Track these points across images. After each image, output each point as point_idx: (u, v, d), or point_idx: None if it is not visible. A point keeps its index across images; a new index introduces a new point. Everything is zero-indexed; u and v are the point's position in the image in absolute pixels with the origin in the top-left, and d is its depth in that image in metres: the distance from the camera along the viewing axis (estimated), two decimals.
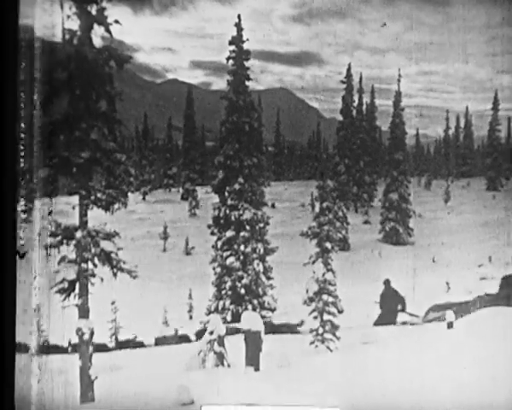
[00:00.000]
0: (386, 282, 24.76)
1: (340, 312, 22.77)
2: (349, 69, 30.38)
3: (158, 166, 32.06)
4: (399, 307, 24.60)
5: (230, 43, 25.46)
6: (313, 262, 23.09)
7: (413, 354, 19.42)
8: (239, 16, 25.19)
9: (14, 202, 12.65)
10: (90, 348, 18.54)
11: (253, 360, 20.75)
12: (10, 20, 11.82)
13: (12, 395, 11.79)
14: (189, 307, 25.67)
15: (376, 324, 24.46)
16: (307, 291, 22.81)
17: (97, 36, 17.88)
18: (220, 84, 28.27)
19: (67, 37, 17.45)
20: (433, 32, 23.10)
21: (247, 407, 17.29)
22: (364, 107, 32.16)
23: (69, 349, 22.59)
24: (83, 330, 18.25)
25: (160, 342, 24.09)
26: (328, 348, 22.17)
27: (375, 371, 18.75)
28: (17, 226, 13.36)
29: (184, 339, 24.41)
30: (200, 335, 23.39)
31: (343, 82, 30.70)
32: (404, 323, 24.23)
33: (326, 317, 22.33)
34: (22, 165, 13.79)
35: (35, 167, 16.94)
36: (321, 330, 22.28)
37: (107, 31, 17.63)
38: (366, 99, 31.92)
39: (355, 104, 31.81)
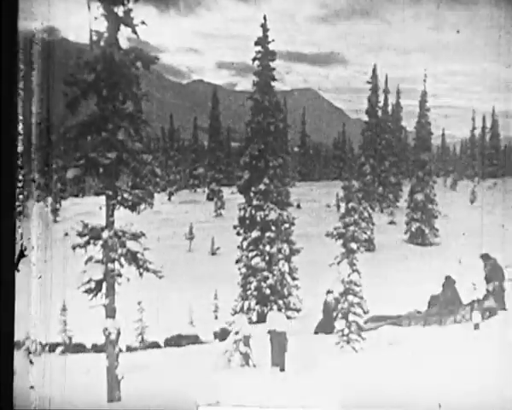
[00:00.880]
0: (330, 292, 24.82)
1: (366, 312, 22.73)
2: (374, 69, 30.30)
3: (184, 167, 32.15)
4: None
5: (256, 43, 25.49)
6: (338, 263, 23.04)
7: (437, 356, 19.36)
8: (265, 17, 25.22)
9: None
10: (117, 348, 18.62)
11: (278, 360, 20.77)
12: (6, 22, 11.90)
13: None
14: (215, 307, 25.72)
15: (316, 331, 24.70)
16: (332, 292, 22.80)
17: (123, 37, 17.96)
18: (245, 84, 28.32)
19: (95, 38, 17.54)
20: (460, 32, 22.94)
21: (245, 408, 17.35)
22: (390, 107, 32.05)
23: (95, 349, 22.81)
24: (109, 329, 18.33)
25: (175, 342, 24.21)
26: (353, 348, 22.11)
27: (400, 371, 18.72)
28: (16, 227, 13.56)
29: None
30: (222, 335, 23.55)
31: (368, 82, 30.63)
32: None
33: (351, 318, 22.26)
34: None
35: (33, 171, 17.04)
36: (346, 331, 22.21)
37: (134, 32, 17.68)
38: (392, 99, 31.83)
39: (380, 104, 31.75)
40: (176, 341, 24.17)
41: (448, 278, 24.61)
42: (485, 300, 24.31)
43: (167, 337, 24.25)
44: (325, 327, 24.23)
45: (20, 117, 14.42)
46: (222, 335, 24.15)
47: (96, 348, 22.94)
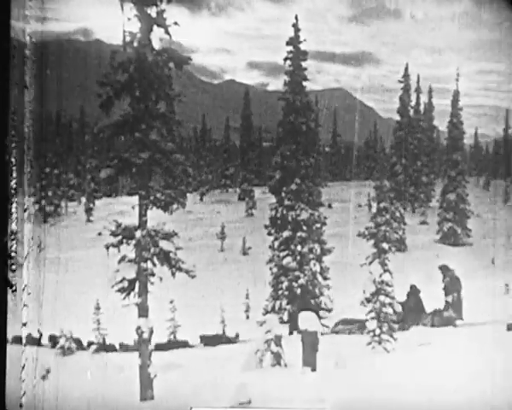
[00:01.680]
0: (413, 286, 24.72)
1: (397, 313, 22.63)
2: (406, 68, 30.14)
3: (215, 167, 32.22)
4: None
5: (288, 43, 25.50)
6: (370, 263, 23.00)
7: (468, 356, 19.23)
8: (296, 17, 25.22)
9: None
10: (150, 347, 18.75)
11: (309, 360, 20.76)
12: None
13: None
14: (246, 306, 25.74)
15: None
16: (364, 292, 22.72)
17: (156, 38, 18.06)
18: (277, 84, 28.27)
19: (128, 39, 17.68)
20: (492, 30, 22.74)
21: (238, 409, 17.38)
22: (422, 106, 31.86)
23: (128, 347, 22.99)
24: (142, 328, 18.47)
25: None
26: (385, 349, 22.04)
27: (431, 372, 18.63)
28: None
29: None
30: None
31: (400, 82, 30.47)
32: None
33: (383, 318, 22.19)
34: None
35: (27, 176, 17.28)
36: (378, 332, 22.15)
37: (167, 32, 17.79)
38: (423, 99, 31.63)
39: (412, 104, 31.55)
40: (207, 340, 24.25)
41: (413, 286, 24.62)
42: (445, 311, 24.50)
43: (199, 337, 24.34)
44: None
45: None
46: (213, 341, 24.27)
47: (129, 347, 23.12)
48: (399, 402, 17.80)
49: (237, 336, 24.61)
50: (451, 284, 24.59)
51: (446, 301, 24.61)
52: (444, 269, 24.92)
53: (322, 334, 22.16)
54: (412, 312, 24.27)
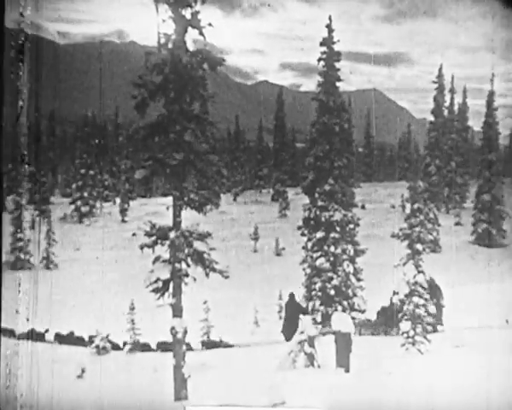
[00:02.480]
0: (291, 295, 24.61)
1: (431, 314, 22.48)
2: (440, 69, 29.96)
3: (249, 168, 32.30)
4: (301, 316, 24.63)
5: (321, 44, 25.49)
6: (404, 264, 22.87)
7: (502, 358, 19.07)
8: (330, 18, 25.18)
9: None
10: (184, 347, 18.79)
11: (343, 361, 20.67)
12: None
13: None
14: (279, 307, 25.76)
15: (282, 331, 24.55)
16: (398, 293, 22.61)
17: (190, 39, 18.09)
18: (309, 85, 28.31)
19: (162, 41, 17.73)
20: None
21: (232, 407, 17.32)
22: (456, 107, 31.63)
23: (162, 347, 23.10)
24: (176, 328, 18.50)
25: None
26: (419, 350, 21.89)
27: (465, 374, 18.50)
28: None
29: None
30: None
31: (434, 82, 30.29)
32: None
33: (417, 319, 22.06)
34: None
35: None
36: (412, 333, 22.01)
37: (201, 34, 17.79)
38: (458, 99, 31.40)
39: (446, 104, 31.33)
40: (240, 340, 24.30)
41: (396, 293, 24.47)
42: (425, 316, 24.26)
43: (232, 337, 24.40)
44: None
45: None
46: (208, 344, 24.30)
47: (163, 347, 23.23)
48: (432, 404, 17.73)
49: (271, 336, 24.64)
50: (431, 291, 24.27)
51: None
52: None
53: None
54: (391, 318, 24.44)
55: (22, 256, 27.40)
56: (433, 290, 24.52)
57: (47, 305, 21.85)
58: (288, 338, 23.74)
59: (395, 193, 31.28)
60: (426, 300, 22.23)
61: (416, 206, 23.68)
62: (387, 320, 24.62)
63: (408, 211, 24.21)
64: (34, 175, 29.66)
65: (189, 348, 21.62)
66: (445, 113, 31.39)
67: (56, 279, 25.81)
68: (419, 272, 22.40)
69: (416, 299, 22.12)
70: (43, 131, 29.38)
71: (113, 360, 22.48)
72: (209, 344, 24.27)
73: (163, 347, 23.26)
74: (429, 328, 23.39)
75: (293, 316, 24.30)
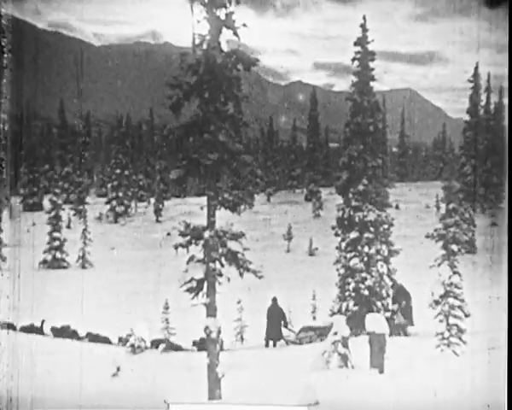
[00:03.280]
0: (274, 299, 24.52)
1: (467, 316, 22.31)
2: (476, 68, 29.67)
3: (282, 168, 32.30)
4: (282, 322, 24.67)
5: (356, 44, 25.45)
6: (439, 265, 22.75)
7: None
8: (364, 17, 25.12)
9: None
10: (218, 346, 18.86)
11: (377, 362, 20.63)
12: None
13: None
14: (313, 307, 25.74)
15: (266, 338, 24.62)
16: (432, 294, 22.48)
17: (223, 39, 18.15)
18: (342, 85, 28.18)
19: (197, 41, 17.82)
20: None
21: (216, 405, 17.29)
22: (492, 106, 31.31)
23: (196, 347, 23.23)
24: (210, 328, 18.58)
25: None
26: (454, 352, 21.76)
27: (500, 376, 18.35)
28: None
29: None
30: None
31: (470, 81, 30.01)
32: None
33: (452, 320, 21.92)
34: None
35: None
36: (447, 334, 21.89)
37: (235, 34, 17.86)
38: (494, 98, 31.07)
39: (482, 103, 31.02)
40: (274, 340, 24.34)
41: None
42: (392, 318, 24.73)
43: (266, 337, 24.43)
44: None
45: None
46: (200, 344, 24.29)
47: (197, 347, 23.36)
48: (469, 405, 17.63)
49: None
50: (398, 294, 25.02)
51: (392, 310, 24.96)
52: (393, 281, 25.58)
53: (287, 343, 22.46)
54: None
55: (58, 255, 27.76)
56: (400, 293, 24.82)
57: (81, 304, 22.08)
58: (268, 344, 23.90)
59: (430, 193, 31.05)
60: (462, 301, 22.09)
61: (451, 206, 23.56)
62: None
63: (443, 211, 24.09)
64: (70, 175, 30.02)
65: (224, 348, 21.72)
66: (481, 112, 31.08)
67: (91, 278, 26.13)
68: (454, 273, 22.26)
69: (451, 300, 21.99)
70: (79, 132, 29.67)
71: (147, 358, 22.64)
72: (243, 344, 24.37)
73: (197, 346, 23.39)
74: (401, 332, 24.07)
75: (274, 321, 24.42)
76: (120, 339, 23.67)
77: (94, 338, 24.12)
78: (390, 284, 25.46)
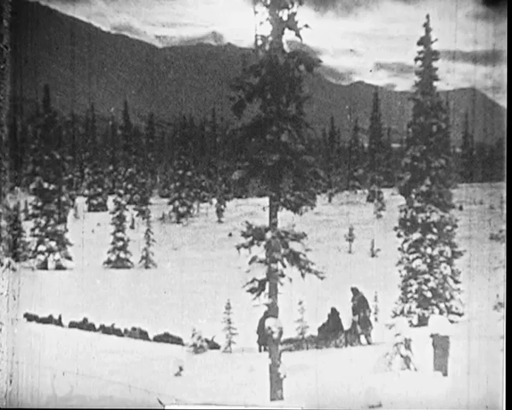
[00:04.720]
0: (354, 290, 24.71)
1: None
2: None
3: (344, 169, 32.22)
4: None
5: (419, 43, 25.22)
6: (504, 266, 22.34)
7: None
8: (427, 16, 24.88)
9: None
10: (279, 347, 18.89)
11: (440, 364, 20.37)
12: None
13: None
14: (375, 309, 25.58)
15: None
16: (497, 296, 22.12)
17: (285, 40, 18.16)
18: (404, 85, 27.96)
19: (260, 43, 17.87)
20: None
21: (212, 407, 17.09)
22: None
23: (259, 347, 23.30)
24: (272, 328, 18.60)
25: None
26: None
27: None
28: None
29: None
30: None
31: None
32: None
33: None
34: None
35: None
36: None
37: (298, 35, 17.86)
38: None
39: None
40: (336, 342, 24.27)
41: (333, 309, 24.61)
42: (353, 329, 24.53)
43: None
44: None
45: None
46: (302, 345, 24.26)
47: (258, 347, 23.43)
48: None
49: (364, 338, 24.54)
50: (358, 305, 24.58)
51: (353, 320, 24.59)
52: (354, 291, 24.81)
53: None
54: (331, 332, 24.49)
55: (122, 255, 28.18)
56: (361, 303, 24.62)
57: (144, 304, 22.38)
58: (260, 349, 23.73)
59: (494, 194, 30.55)
60: None
61: None
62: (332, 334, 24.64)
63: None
64: (134, 176, 30.45)
65: (285, 348, 21.76)
66: None
67: (155, 278, 26.44)
68: None
69: None
70: (142, 132, 30.10)
71: (209, 358, 22.81)
72: (305, 344, 24.35)
73: (259, 346, 23.47)
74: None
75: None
76: (181, 339, 23.89)
77: (159, 338, 24.39)
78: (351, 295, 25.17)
